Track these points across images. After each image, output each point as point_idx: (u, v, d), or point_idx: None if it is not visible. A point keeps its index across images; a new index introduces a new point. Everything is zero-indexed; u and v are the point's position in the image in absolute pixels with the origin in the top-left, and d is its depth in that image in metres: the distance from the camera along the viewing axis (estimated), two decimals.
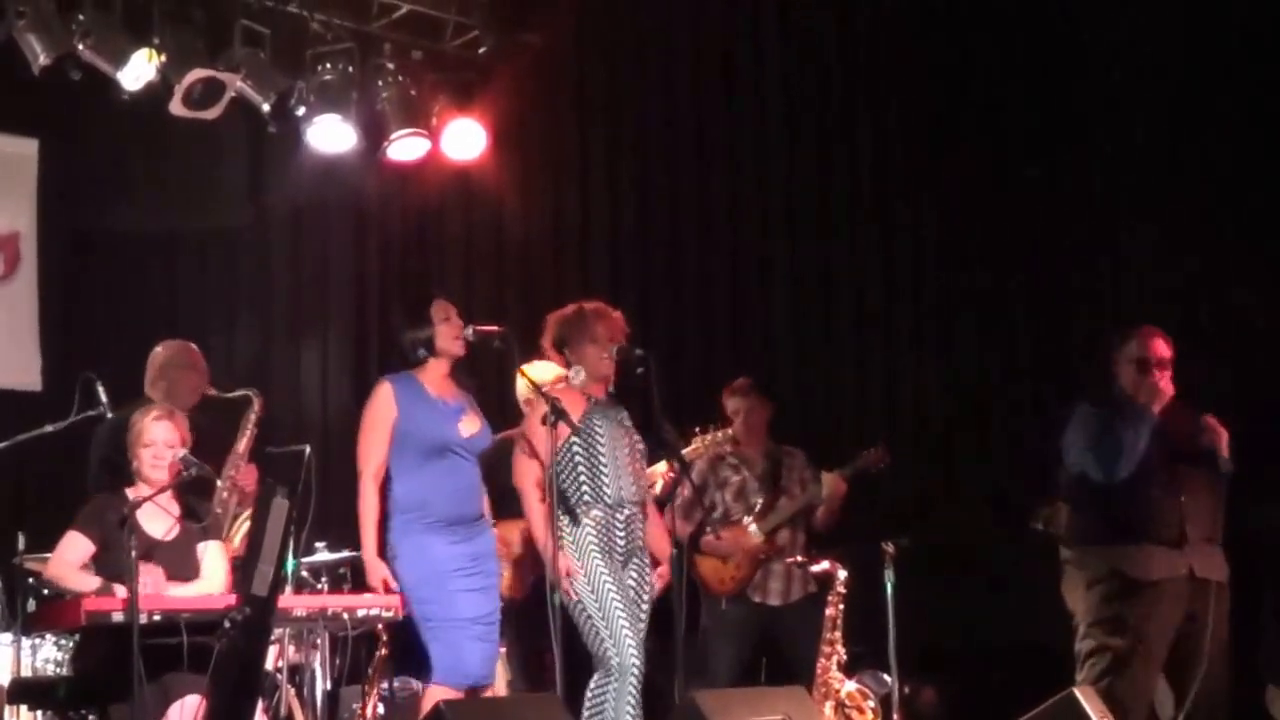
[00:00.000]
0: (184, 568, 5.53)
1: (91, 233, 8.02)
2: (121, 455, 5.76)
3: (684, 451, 6.79)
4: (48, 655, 5.90)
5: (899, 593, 6.51)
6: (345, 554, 6.70)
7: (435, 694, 5.59)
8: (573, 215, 9.05)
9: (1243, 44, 7.95)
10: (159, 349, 6.73)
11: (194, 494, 5.77)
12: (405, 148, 8.04)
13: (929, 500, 8.28)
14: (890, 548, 6.55)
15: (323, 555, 6.69)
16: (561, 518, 5.74)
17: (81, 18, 7.00)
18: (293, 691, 5.85)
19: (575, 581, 5.69)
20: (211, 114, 7.39)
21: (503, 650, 6.34)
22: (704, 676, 6.79)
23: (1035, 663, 6.65)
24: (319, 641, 5.98)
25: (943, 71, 8.75)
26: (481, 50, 8.16)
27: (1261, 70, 7.86)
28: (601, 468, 5.80)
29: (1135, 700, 6.04)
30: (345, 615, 5.43)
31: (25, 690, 5.66)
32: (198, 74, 7.23)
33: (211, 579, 5.56)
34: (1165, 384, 6.22)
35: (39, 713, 5.72)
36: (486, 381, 6.34)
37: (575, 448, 5.79)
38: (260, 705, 5.39)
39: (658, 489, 6.25)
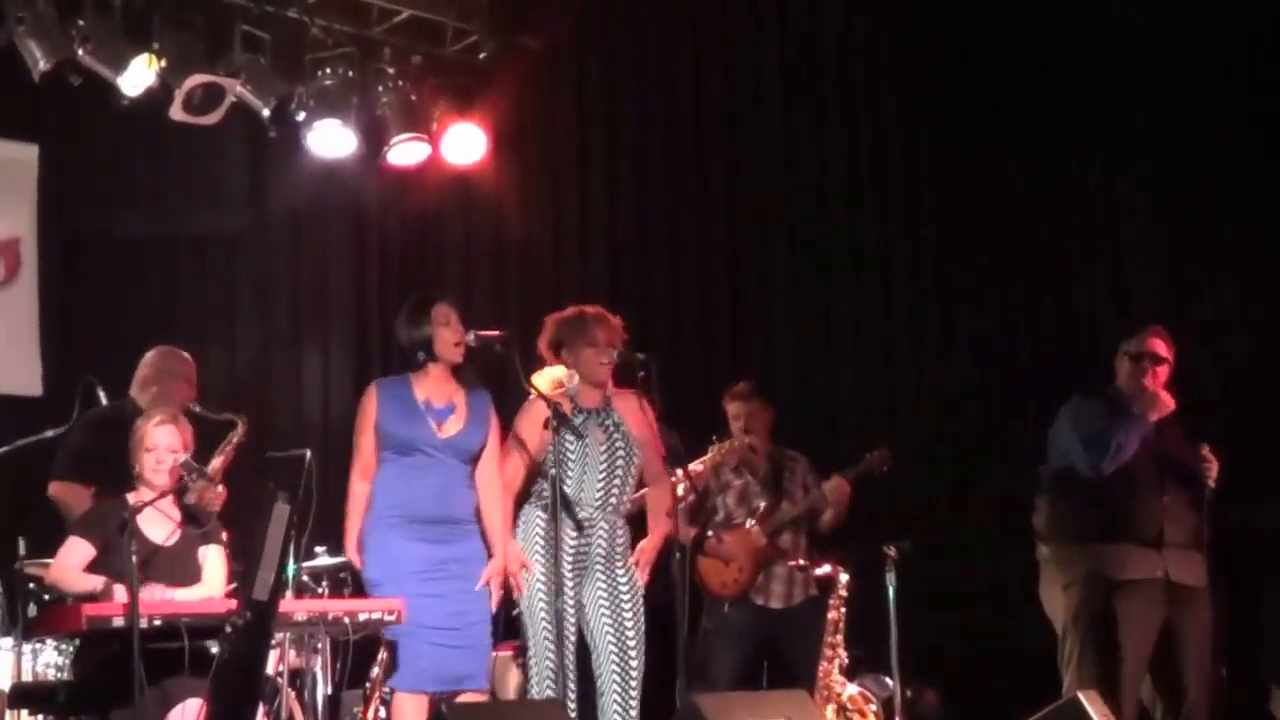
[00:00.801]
0: (185, 573, 5.53)
1: (92, 238, 8.03)
2: (103, 446, 5.78)
3: (703, 460, 6.82)
4: (48, 660, 5.89)
5: (901, 596, 6.50)
6: (345, 558, 6.70)
7: (401, 701, 5.61)
8: (573, 219, 9.05)
9: (1242, 43, 7.94)
10: (153, 353, 6.73)
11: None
12: (405, 152, 8.05)
13: (931, 503, 8.27)
14: (892, 551, 6.54)
15: (323, 560, 6.69)
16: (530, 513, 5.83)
17: (82, 23, 7.01)
18: (293, 696, 5.84)
19: (524, 584, 5.77)
20: (211, 119, 7.39)
21: (508, 653, 6.34)
22: (705, 679, 6.78)
23: (1038, 666, 6.63)
24: (320, 646, 5.97)
25: (944, 73, 8.74)
26: (481, 55, 8.17)
27: (1262, 69, 7.86)
28: (568, 469, 5.78)
29: (1122, 700, 6.04)
30: (346, 619, 5.42)
31: (26, 695, 5.65)
32: (198, 79, 7.24)
33: (211, 583, 5.56)
34: (1157, 382, 6.22)
35: (40, 717, 5.71)
36: (489, 385, 6.32)
37: (549, 448, 5.77)
38: (261, 710, 5.38)
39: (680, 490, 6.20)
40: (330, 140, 7.83)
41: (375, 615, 5.48)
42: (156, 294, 8.23)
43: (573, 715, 5.61)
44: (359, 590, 6.44)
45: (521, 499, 5.91)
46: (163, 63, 7.16)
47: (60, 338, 7.97)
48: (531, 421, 5.83)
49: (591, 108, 9.08)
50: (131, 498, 5.53)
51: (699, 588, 6.99)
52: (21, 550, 6.20)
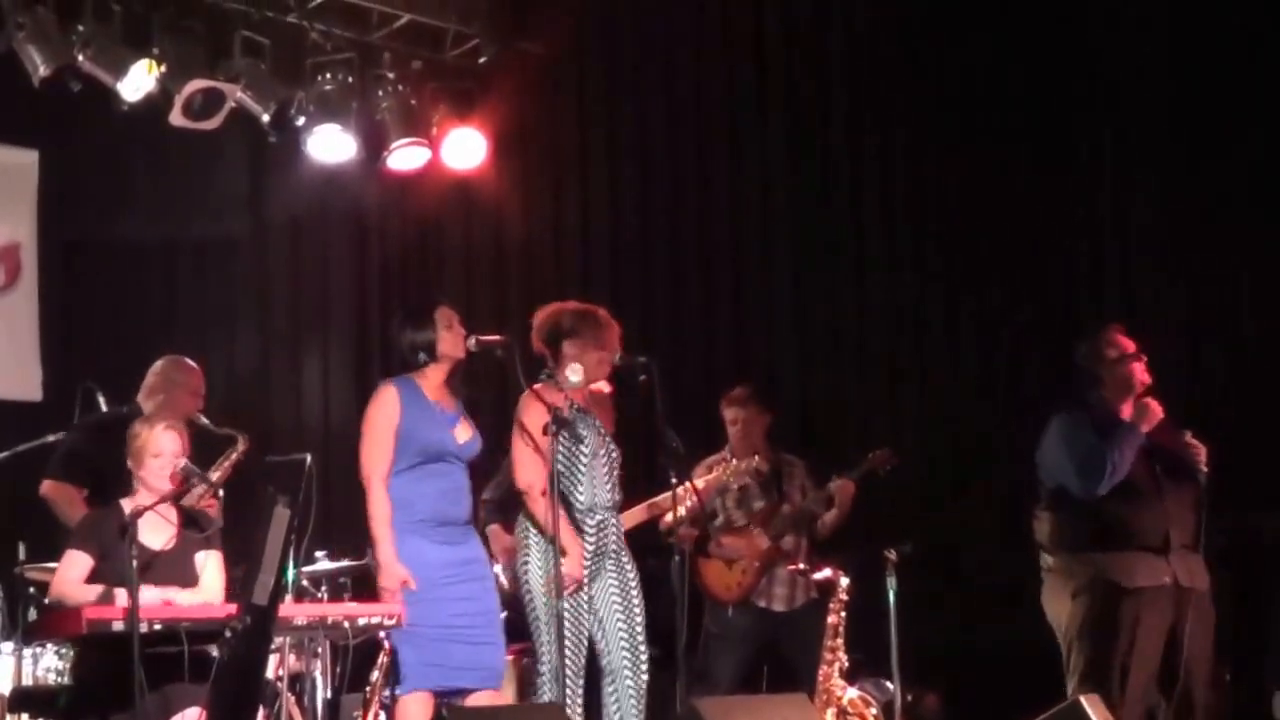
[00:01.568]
0: (181, 577, 5.52)
1: (91, 243, 8.04)
2: (97, 451, 5.79)
3: (708, 478, 6.81)
4: (49, 664, 5.89)
5: (901, 599, 6.50)
6: (346, 563, 6.71)
7: (406, 704, 5.60)
8: (573, 223, 9.06)
9: (1243, 42, 7.95)
10: (161, 362, 6.74)
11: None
12: (405, 157, 8.06)
13: (931, 507, 8.26)
14: (892, 554, 6.54)
15: (323, 564, 6.70)
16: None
17: (81, 29, 7.03)
18: (293, 700, 5.84)
19: (532, 583, 5.75)
20: (211, 124, 7.41)
21: (510, 657, 6.34)
22: (706, 682, 6.79)
23: (1038, 670, 6.62)
24: (320, 650, 5.97)
25: (946, 75, 8.74)
26: (481, 59, 8.19)
27: (1264, 67, 7.86)
28: (579, 472, 5.82)
29: (1129, 709, 6.03)
30: (346, 624, 5.42)
31: (26, 699, 5.66)
32: (197, 84, 7.25)
33: (208, 589, 5.55)
34: (1143, 373, 6.21)
35: None
36: (489, 390, 6.32)
37: (559, 451, 5.78)
38: (261, 714, 5.38)
39: (683, 510, 6.18)
40: (330, 145, 7.84)
41: (375, 620, 5.49)
42: (156, 299, 8.24)
43: (579, 717, 5.62)
44: (359, 594, 6.46)
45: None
46: (162, 68, 7.18)
47: (60, 343, 7.97)
48: (535, 420, 5.82)
49: (591, 111, 9.08)
50: (128, 503, 5.53)
51: (700, 591, 6.99)
52: (21, 555, 6.21)
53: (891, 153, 8.96)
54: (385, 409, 5.70)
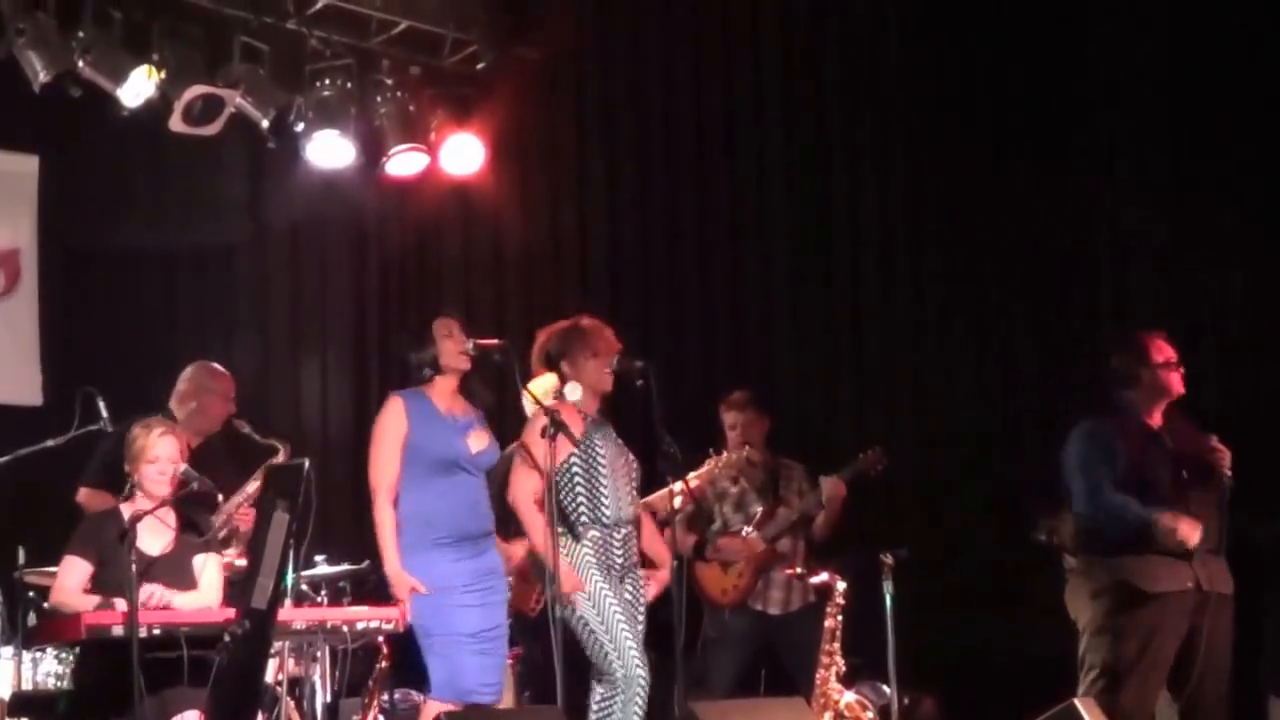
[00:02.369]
0: (180, 580, 5.54)
1: (91, 249, 8.05)
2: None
3: (699, 472, 6.82)
4: (48, 669, 5.90)
5: (898, 604, 6.51)
6: (345, 567, 6.72)
7: (433, 708, 5.61)
8: (572, 229, 9.06)
9: (1242, 42, 7.96)
10: (192, 368, 6.79)
11: (195, 505, 5.79)
12: (404, 163, 8.07)
13: (928, 511, 8.28)
14: (889, 559, 6.55)
15: (322, 569, 6.70)
16: (561, 533, 5.72)
17: (81, 35, 7.03)
18: (293, 704, 5.86)
19: (577, 598, 5.69)
20: (211, 130, 7.41)
21: (509, 663, 6.35)
22: (704, 686, 6.80)
23: (1035, 674, 6.64)
24: (319, 654, 5.99)
25: (945, 79, 8.75)
26: (480, 65, 8.20)
27: (1263, 67, 7.87)
28: (601, 487, 5.80)
29: (1137, 712, 6.04)
30: (345, 628, 5.44)
31: (26, 704, 5.67)
32: (197, 90, 7.26)
33: (207, 593, 5.57)
34: (1179, 383, 6.23)
35: None
36: (489, 395, 6.33)
37: (575, 466, 5.78)
38: (260, 719, 5.39)
39: (677, 504, 6.21)
40: (329, 151, 7.85)
41: (374, 624, 5.50)
42: (156, 304, 8.25)
43: None
44: (358, 599, 6.47)
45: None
46: (162, 74, 7.18)
47: (60, 348, 7.98)
48: (535, 430, 5.83)
49: (589, 116, 9.09)
50: (126, 507, 5.55)
51: (697, 596, 7.00)
52: (21, 559, 6.22)
53: (890, 155, 8.96)
54: (391, 421, 5.72)
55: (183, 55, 7.25)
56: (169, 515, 5.64)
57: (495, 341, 5.87)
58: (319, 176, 8.01)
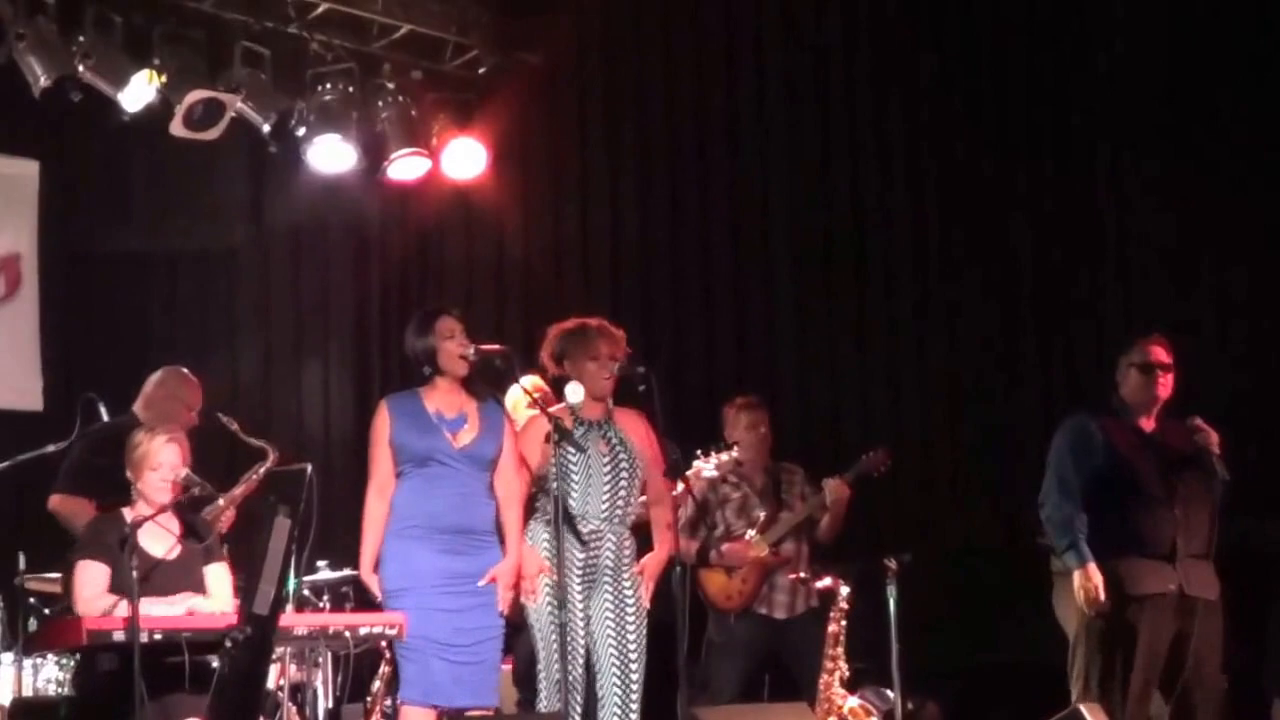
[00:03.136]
0: (186, 586, 5.52)
1: (92, 253, 8.05)
2: (106, 461, 5.79)
3: (691, 473, 6.79)
4: (49, 675, 5.90)
5: (902, 608, 6.50)
6: (347, 573, 6.70)
7: (406, 713, 5.58)
8: (573, 233, 9.06)
9: (1242, 42, 7.96)
10: (161, 373, 6.75)
11: (193, 510, 5.78)
12: (405, 167, 8.06)
13: (932, 516, 8.27)
14: (893, 563, 6.54)
15: (324, 574, 6.69)
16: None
17: (82, 39, 7.03)
18: (295, 710, 5.84)
19: (528, 609, 5.73)
20: (212, 134, 7.41)
21: (507, 667, 6.33)
22: (709, 692, 6.79)
23: (1039, 679, 6.63)
24: (321, 660, 5.97)
25: (947, 82, 8.75)
26: (481, 70, 8.20)
27: (1263, 67, 7.87)
28: (571, 478, 5.74)
29: (1133, 713, 6.03)
30: (347, 634, 5.42)
31: (27, 710, 5.66)
32: (198, 94, 7.26)
33: (220, 599, 5.55)
34: (1165, 389, 6.23)
35: None
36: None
37: (551, 463, 5.77)
38: None
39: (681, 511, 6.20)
40: (330, 155, 7.84)
41: (376, 630, 5.48)
42: (157, 309, 8.25)
43: None
44: (360, 605, 6.45)
45: (527, 515, 5.89)
46: (163, 78, 7.18)
47: (61, 353, 7.98)
48: (532, 437, 5.82)
49: (592, 121, 9.09)
50: (128, 512, 5.54)
51: (701, 601, 6.99)
52: (21, 565, 6.21)
53: (892, 163, 8.97)
54: (376, 425, 5.75)
55: (183, 59, 7.25)
56: (171, 520, 5.62)
57: (497, 347, 5.84)
58: (320, 181, 8.01)
